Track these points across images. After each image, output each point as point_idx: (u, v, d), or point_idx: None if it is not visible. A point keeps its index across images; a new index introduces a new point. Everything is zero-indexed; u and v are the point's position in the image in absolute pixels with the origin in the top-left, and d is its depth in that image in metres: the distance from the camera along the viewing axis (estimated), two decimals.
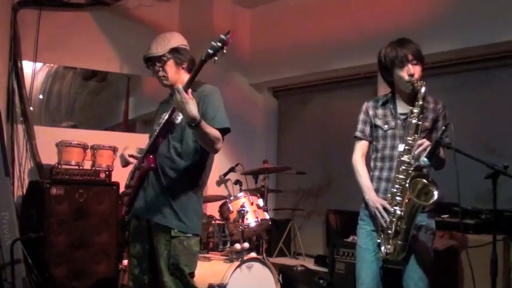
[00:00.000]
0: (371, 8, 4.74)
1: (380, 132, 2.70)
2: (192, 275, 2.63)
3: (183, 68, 2.74)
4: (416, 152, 2.46)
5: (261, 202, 4.11)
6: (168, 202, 2.60)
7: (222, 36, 2.36)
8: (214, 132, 2.54)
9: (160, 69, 2.69)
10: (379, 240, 2.58)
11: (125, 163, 2.76)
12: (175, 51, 2.68)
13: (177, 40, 2.72)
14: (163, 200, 2.61)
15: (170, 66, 2.70)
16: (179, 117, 2.64)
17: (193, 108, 2.39)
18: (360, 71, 5.01)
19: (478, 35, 3.99)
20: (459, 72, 4.47)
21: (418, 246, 2.56)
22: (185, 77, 2.72)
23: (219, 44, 2.34)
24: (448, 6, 4.20)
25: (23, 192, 4.50)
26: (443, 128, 2.45)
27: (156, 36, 2.76)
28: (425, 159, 2.40)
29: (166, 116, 2.65)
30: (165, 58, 2.67)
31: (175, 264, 2.57)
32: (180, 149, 2.63)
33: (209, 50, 2.36)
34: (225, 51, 2.36)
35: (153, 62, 2.70)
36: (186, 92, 2.38)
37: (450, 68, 4.47)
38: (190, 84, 2.44)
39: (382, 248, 2.54)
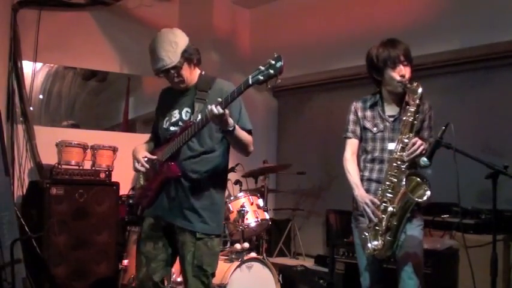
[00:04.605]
0: (371, 8, 4.74)
1: (369, 134, 2.73)
2: (213, 275, 2.66)
3: (194, 65, 2.69)
4: (410, 151, 2.48)
5: (261, 202, 4.11)
6: (193, 206, 2.59)
7: (272, 62, 2.21)
8: (245, 135, 2.58)
9: (176, 75, 2.61)
10: (366, 235, 2.58)
11: (139, 169, 2.70)
12: (185, 52, 2.59)
13: (182, 40, 2.61)
14: (188, 204, 2.59)
15: (185, 69, 2.63)
16: (197, 119, 2.56)
17: (230, 121, 2.40)
18: (360, 71, 4.98)
19: (478, 35, 3.99)
20: (459, 72, 4.47)
21: (410, 241, 2.58)
22: (197, 71, 2.72)
23: (272, 72, 2.20)
24: (448, 6, 4.20)
25: (23, 192, 4.50)
26: (443, 128, 2.45)
27: (151, 36, 2.68)
28: (425, 159, 2.42)
29: (182, 116, 2.66)
30: (179, 64, 2.58)
31: (199, 266, 2.58)
32: (201, 152, 2.62)
33: (259, 77, 2.22)
34: (279, 80, 2.23)
35: (166, 71, 2.59)
36: (225, 108, 2.33)
37: (450, 68, 4.47)
38: (230, 102, 2.35)
39: (369, 245, 2.56)
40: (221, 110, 2.30)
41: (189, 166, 2.61)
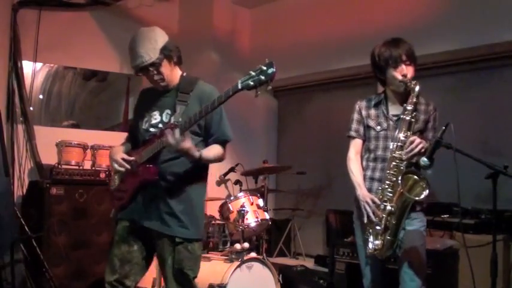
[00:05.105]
0: (371, 8, 4.74)
1: (372, 133, 2.73)
2: (195, 278, 2.61)
3: (174, 63, 2.61)
4: (408, 149, 2.48)
5: (261, 202, 4.10)
6: (172, 210, 2.53)
7: (264, 67, 2.14)
8: (215, 154, 2.56)
9: (155, 72, 2.54)
10: (366, 237, 2.59)
11: (119, 170, 2.65)
12: (164, 49, 2.53)
13: (161, 37, 2.55)
14: (166, 208, 2.53)
15: (165, 67, 2.56)
16: (179, 120, 2.52)
17: (192, 151, 2.40)
18: (360, 71, 5.00)
19: (478, 35, 3.99)
20: (459, 72, 4.47)
21: (411, 243, 2.57)
22: (178, 71, 2.66)
23: (263, 78, 2.13)
24: (448, 6, 4.21)
25: (23, 192, 4.50)
26: (443, 128, 2.45)
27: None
28: (425, 159, 2.42)
29: (163, 118, 2.60)
30: (158, 61, 2.51)
31: (180, 270, 2.53)
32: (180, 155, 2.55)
33: (250, 82, 2.16)
34: (270, 87, 2.17)
35: (145, 68, 2.53)
36: (184, 131, 2.33)
37: (450, 68, 4.47)
38: (218, 106, 2.32)
39: (370, 245, 2.56)
40: (178, 136, 2.30)
41: (168, 168, 2.55)
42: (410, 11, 4.41)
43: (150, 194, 2.57)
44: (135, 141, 2.76)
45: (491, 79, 4.26)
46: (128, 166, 2.60)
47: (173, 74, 2.63)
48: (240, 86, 2.20)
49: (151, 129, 2.62)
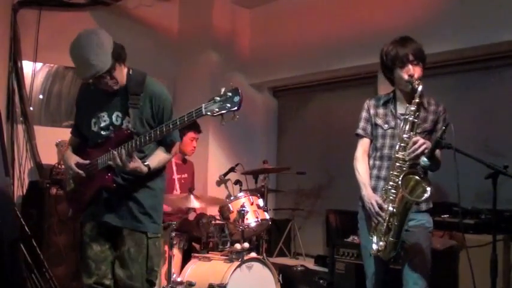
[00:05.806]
0: (371, 8, 4.74)
1: (380, 131, 2.71)
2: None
3: (122, 63, 2.54)
4: (411, 150, 2.47)
5: (261, 202, 4.10)
6: (141, 207, 2.53)
7: (229, 94, 2.08)
8: (161, 160, 2.57)
9: (109, 78, 2.46)
10: (370, 237, 2.59)
11: (75, 176, 2.64)
12: (114, 52, 2.45)
13: (107, 39, 2.45)
14: (136, 205, 2.52)
15: (117, 70, 2.49)
16: (129, 124, 2.49)
17: (140, 169, 2.42)
18: (359, 71, 5.01)
19: (478, 35, 3.99)
20: (459, 72, 4.47)
21: (417, 245, 2.56)
22: (124, 69, 2.58)
23: (228, 106, 2.07)
24: (448, 6, 4.20)
25: (23, 192, 4.50)
26: (443, 128, 2.45)
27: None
28: (425, 159, 2.41)
29: (113, 121, 2.56)
30: (112, 66, 2.43)
31: (152, 269, 2.53)
32: (141, 157, 2.50)
33: (215, 108, 2.09)
34: (238, 117, 2.11)
35: (99, 76, 2.43)
36: (132, 159, 2.36)
37: (450, 68, 4.47)
38: (180, 128, 2.30)
39: (374, 246, 2.55)
40: (124, 158, 2.33)
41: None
42: (410, 11, 4.41)
43: (116, 194, 2.53)
44: (83, 138, 2.72)
45: (491, 79, 4.26)
46: (82, 172, 2.58)
47: (124, 73, 2.56)
48: (204, 112, 2.14)
49: (103, 132, 2.58)
